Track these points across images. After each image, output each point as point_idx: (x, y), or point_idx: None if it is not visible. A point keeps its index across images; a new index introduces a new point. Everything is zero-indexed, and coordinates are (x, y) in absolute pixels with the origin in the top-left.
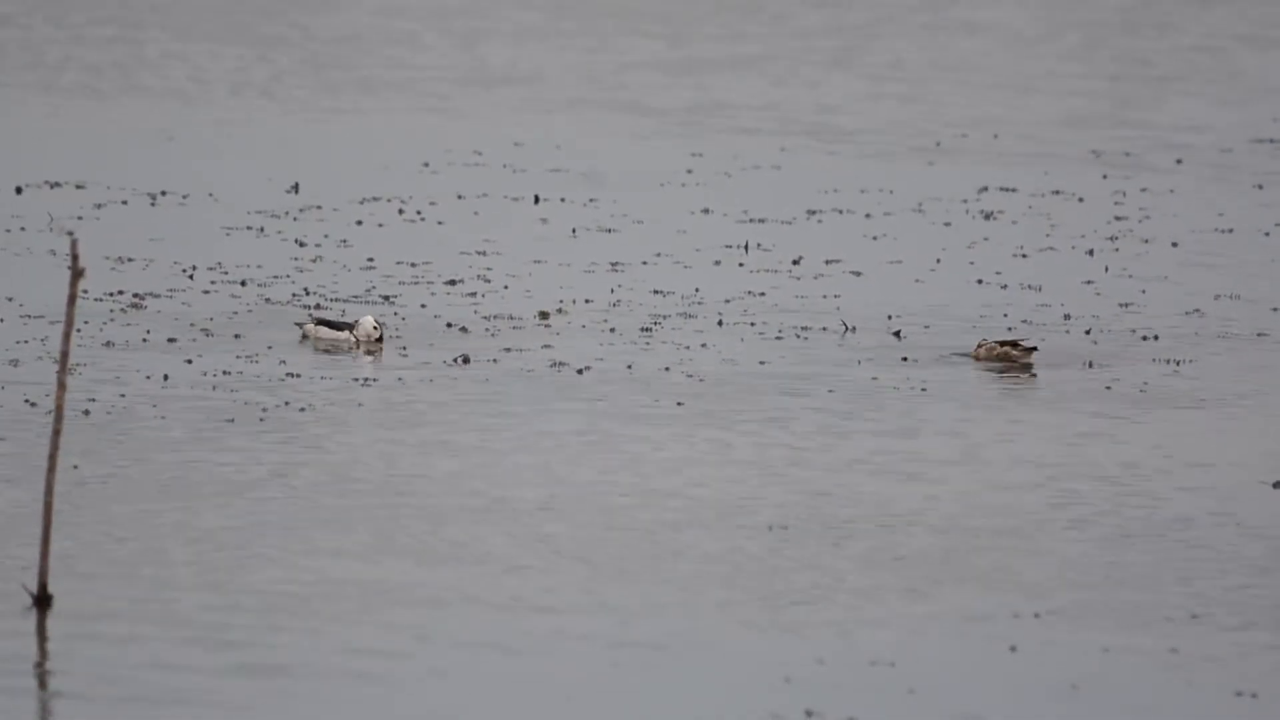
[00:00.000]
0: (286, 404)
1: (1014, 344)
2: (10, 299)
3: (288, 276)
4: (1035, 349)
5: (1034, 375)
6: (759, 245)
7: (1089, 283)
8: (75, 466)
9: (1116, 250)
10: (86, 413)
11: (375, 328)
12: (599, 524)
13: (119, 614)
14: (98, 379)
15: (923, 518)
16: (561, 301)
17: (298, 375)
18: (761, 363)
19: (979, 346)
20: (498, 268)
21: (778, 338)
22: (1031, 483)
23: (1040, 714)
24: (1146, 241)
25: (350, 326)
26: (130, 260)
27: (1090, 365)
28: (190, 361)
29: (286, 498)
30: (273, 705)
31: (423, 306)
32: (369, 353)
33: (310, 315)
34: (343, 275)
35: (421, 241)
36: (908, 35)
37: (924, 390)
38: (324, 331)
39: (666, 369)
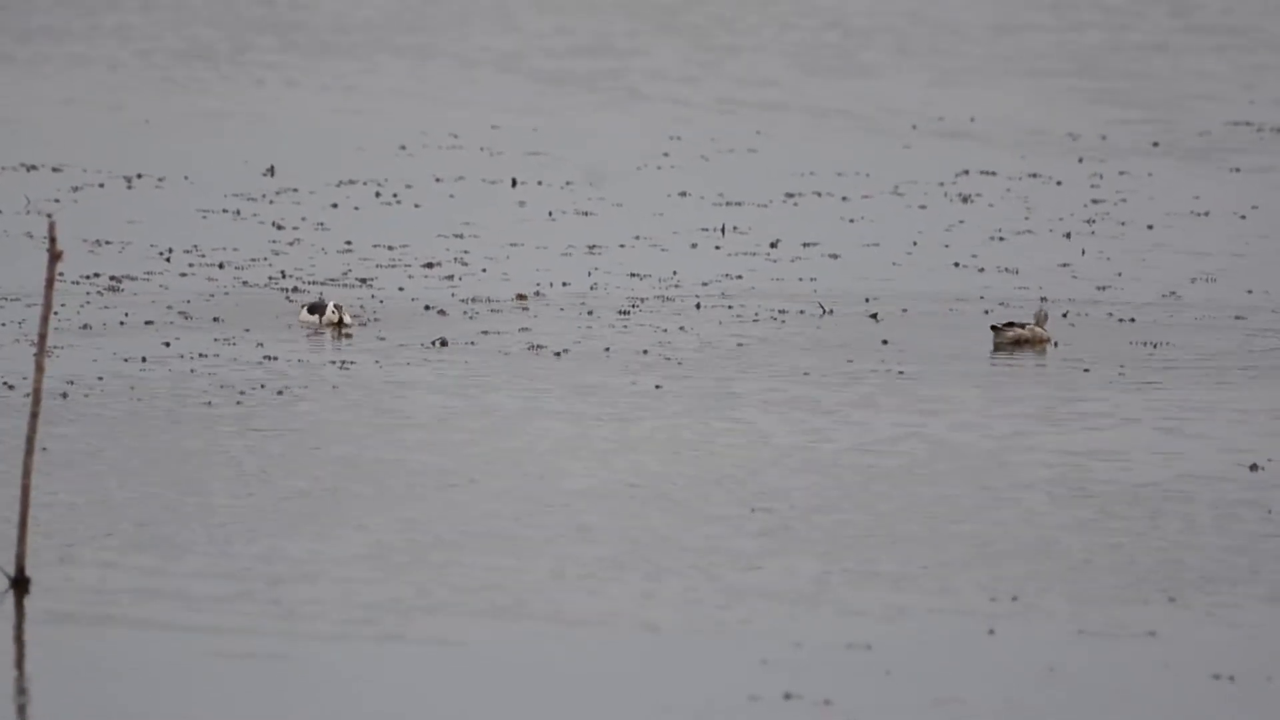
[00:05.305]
0: (263, 387)
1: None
2: None
3: (265, 259)
4: (1054, 343)
5: (1041, 360)
6: (736, 228)
7: (1065, 265)
8: (44, 449)
9: (1093, 233)
10: (64, 395)
11: (333, 311)
12: (575, 508)
13: (97, 596)
14: (75, 362)
15: (899, 500)
16: (538, 285)
17: (275, 358)
18: (739, 345)
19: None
20: (475, 250)
21: (755, 320)
22: (1009, 466)
23: (1017, 697)
24: (1123, 224)
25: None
26: (107, 243)
27: (1058, 345)
28: (168, 344)
29: (263, 480)
30: (256, 690)
31: (400, 289)
32: (346, 335)
33: (295, 298)
34: (320, 258)
35: (398, 224)
36: (883, 17)
37: (901, 373)
38: (302, 315)
39: (644, 351)
